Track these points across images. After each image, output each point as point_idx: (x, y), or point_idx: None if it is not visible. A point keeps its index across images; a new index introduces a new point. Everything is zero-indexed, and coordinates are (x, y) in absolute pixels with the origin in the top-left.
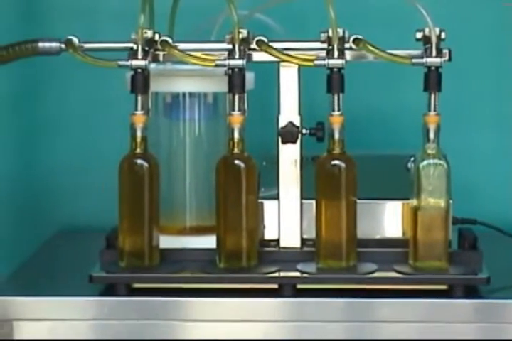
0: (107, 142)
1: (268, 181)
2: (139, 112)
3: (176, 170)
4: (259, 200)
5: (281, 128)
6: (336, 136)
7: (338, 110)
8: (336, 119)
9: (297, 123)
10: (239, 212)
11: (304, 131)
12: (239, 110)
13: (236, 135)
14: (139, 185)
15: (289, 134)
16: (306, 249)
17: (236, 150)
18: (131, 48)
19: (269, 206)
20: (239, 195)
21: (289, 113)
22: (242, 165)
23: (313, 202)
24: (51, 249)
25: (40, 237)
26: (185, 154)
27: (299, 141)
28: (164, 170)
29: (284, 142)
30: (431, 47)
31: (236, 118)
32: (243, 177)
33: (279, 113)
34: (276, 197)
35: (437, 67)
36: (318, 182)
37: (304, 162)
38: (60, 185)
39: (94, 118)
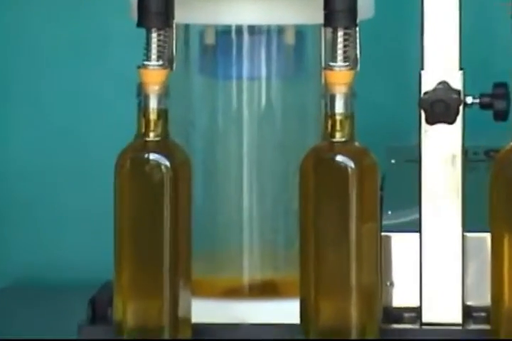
0: (91, 143)
1: (398, 196)
2: (154, 64)
3: (224, 176)
4: (384, 233)
5: (425, 94)
6: None
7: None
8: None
9: (457, 85)
10: (345, 253)
11: (469, 99)
12: (345, 60)
13: (340, 108)
14: (153, 202)
15: (440, 106)
16: (473, 326)
17: (340, 138)
18: None
19: (401, 243)
20: (345, 222)
21: (439, 65)
22: (352, 166)
23: (487, 235)
24: None
25: None
26: (243, 146)
27: (460, 119)
28: (202, 176)
29: (431, 121)
30: None
31: (341, 74)
32: (353, 188)
33: (421, 67)
34: (417, 228)
35: None
36: (499, 198)
37: (468, 159)
38: (11, 213)
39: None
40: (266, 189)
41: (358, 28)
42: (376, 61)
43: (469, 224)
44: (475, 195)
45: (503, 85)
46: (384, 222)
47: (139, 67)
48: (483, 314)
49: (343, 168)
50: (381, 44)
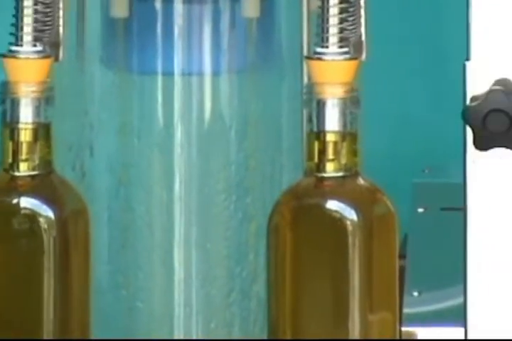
0: None
1: (430, 267)
2: (29, 50)
3: (143, 234)
4: (406, 328)
5: (473, 101)
6: None
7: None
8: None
9: None
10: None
11: None
12: (341, 45)
13: (333, 124)
14: (25, 275)
15: (499, 120)
16: None
17: (334, 172)
18: None
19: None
20: (343, 310)
21: (495, 52)
22: (353, 218)
23: None
24: None
25: None
26: (174, 182)
27: None
28: (108, 231)
29: (483, 145)
30: None
31: (334, 67)
32: (354, 253)
33: (466, 56)
34: (461, 319)
35: None
36: None
37: None
38: None
39: None
40: (210, 258)
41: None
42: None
43: None
44: None
45: None
46: (406, 310)
47: (2, 56)
48: None
49: (338, 220)
50: (407, 22)
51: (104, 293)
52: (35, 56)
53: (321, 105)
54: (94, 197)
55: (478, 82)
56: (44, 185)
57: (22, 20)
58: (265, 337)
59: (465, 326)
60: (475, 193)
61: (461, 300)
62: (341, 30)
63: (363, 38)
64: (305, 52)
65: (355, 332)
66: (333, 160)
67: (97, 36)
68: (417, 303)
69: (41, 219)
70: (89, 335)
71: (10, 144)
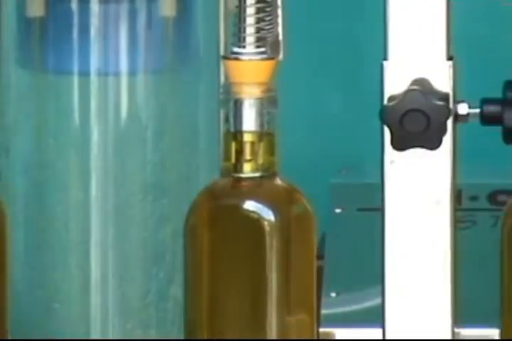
0: None
1: (348, 268)
2: None
3: (60, 233)
4: (324, 329)
5: (390, 101)
6: None
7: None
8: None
9: (444, 85)
10: None
11: (463, 109)
12: (259, 44)
13: (250, 124)
14: None
15: (416, 120)
16: None
17: (251, 172)
18: None
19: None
20: (259, 311)
21: (412, 52)
22: (270, 218)
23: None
24: None
25: None
26: (90, 186)
27: (448, 141)
28: (29, 231)
29: (401, 146)
30: None
31: (252, 67)
32: (272, 254)
33: (384, 57)
34: (379, 320)
35: None
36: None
37: (462, 207)
38: None
39: None
40: (127, 259)
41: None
42: (315, 47)
43: (466, 316)
44: (474, 263)
45: None
46: (324, 311)
47: None
48: None
49: (256, 221)
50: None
51: (21, 294)
52: None
53: (238, 105)
54: (11, 197)
55: (396, 81)
56: None
57: None
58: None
59: (383, 327)
60: (392, 193)
61: (379, 300)
62: (258, 30)
63: (280, 37)
64: (222, 52)
65: (272, 332)
66: (250, 160)
67: (12, 36)
68: (335, 304)
69: None
70: (7, 335)
71: None
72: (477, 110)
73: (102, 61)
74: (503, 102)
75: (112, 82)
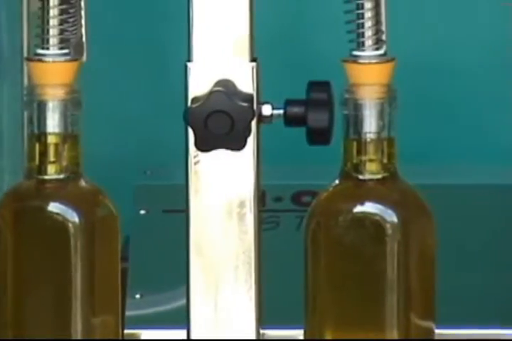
0: None
1: (153, 269)
2: None
3: None
4: (128, 330)
5: (194, 102)
6: (372, 126)
7: (377, 48)
8: (374, 71)
9: (247, 86)
10: None
11: (267, 110)
12: (62, 46)
13: (53, 125)
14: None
15: (220, 122)
16: None
17: (55, 174)
18: None
19: None
20: (64, 314)
21: (216, 53)
22: (75, 220)
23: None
24: None
25: None
26: None
27: (251, 142)
28: None
29: (204, 147)
30: None
31: (54, 70)
32: (76, 257)
33: (188, 59)
34: (184, 322)
35: None
36: (317, 269)
37: (267, 209)
38: None
39: None
40: None
41: None
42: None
43: (270, 316)
44: (278, 264)
45: (324, 86)
46: (128, 313)
47: None
48: None
49: (60, 223)
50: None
51: None
52: None
53: (41, 107)
54: None
55: (200, 83)
56: None
57: None
58: None
59: (188, 328)
60: (196, 194)
61: (183, 302)
62: (62, 32)
63: (84, 39)
64: (25, 54)
65: (77, 333)
66: (54, 162)
67: None
68: (139, 306)
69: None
70: None
71: None
72: (281, 111)
73: None
74: (307, 103)
75: None
